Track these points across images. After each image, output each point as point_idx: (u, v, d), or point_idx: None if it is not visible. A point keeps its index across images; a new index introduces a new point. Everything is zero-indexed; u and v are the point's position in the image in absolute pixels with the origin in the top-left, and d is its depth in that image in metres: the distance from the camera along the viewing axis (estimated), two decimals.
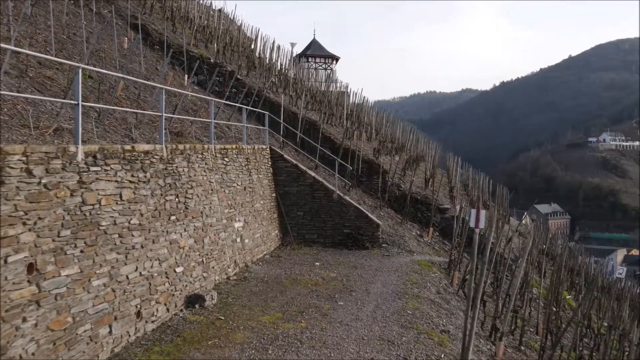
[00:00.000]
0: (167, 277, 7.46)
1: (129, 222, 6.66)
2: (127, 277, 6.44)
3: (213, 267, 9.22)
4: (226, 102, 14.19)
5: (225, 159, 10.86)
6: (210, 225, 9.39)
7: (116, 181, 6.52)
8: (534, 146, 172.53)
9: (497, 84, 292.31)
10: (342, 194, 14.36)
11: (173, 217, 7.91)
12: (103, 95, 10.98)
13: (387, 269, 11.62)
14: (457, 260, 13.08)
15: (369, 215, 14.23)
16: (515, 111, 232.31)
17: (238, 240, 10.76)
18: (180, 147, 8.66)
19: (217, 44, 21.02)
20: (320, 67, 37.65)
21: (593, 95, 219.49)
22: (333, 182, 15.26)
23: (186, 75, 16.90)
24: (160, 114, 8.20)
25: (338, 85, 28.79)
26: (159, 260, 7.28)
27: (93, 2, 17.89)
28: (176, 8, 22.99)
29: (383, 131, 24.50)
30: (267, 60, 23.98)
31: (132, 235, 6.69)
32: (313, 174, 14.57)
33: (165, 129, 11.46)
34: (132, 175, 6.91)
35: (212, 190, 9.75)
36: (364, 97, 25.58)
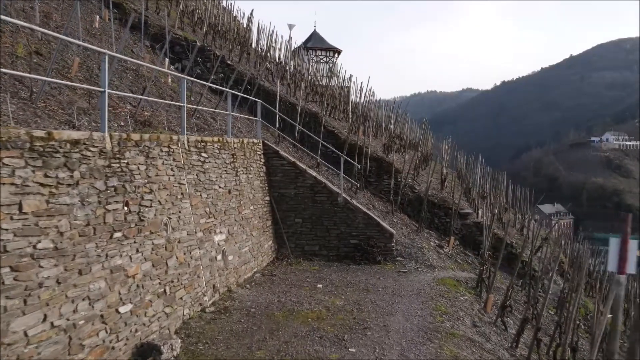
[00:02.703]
0: (103, 323, 5.16)
1: (35, 247, 4.36)
2: (26, 334, 4.15)
3: (181, 298, 6.91)
4: (201, 82, 11.81)
5: (203, 154, 8.55)
6: (179, 241, 7.09)
7: (13, 184, 4.23)
8: (535, 146, 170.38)
9: (498, 83, 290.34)
10: (348, 198, 12.06)
11: (118, 234, 5.61)
12: (51, 74, 8.75)
13: (407, 291, 9.32)
14: (489, 279, 10.82)
15: (381, 222, 11.93)
16: (516, 111, 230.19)
17: (219, 257, 8.46)
18: (135, 136, 6.35)
19: (205, 27, 18.70)
20: (321, 61, 35.29)
21: (595, 94, 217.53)
22: (337, 183, 12.98)
23: (167, 59, 14.58)
24: (102, 89, 5.89)
25: (341, 76, 26.40)
26: (89, 299, 4.97)
27: None
28: None
29: (392, 126, 22.20)
30: (265, 46, 21.65)
31: (40, 267, 4.39)
32: (314, 173, 12.27)
33: (129, 117, 9.21)
34: (46, 176, 4.62)
35: (182, 194, 7.45)
36: (370, 88, 23.20)
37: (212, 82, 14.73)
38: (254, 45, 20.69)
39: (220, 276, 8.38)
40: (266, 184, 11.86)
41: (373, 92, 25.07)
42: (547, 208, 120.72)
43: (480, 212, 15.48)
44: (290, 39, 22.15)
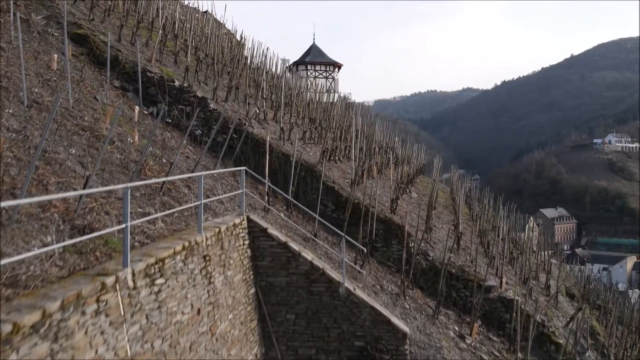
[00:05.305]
0: None
1: None
2: None
3: None
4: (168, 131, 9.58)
5: (159, 280, 6.32)
6: None
7: None
8: (536, 146, 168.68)
9: (499, 83, 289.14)
10: (351, 288, 9.85)
11: None
12: None
13: None
14: None
15: (392, 319, 9.71)
16: (516, 110, 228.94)
17: None
18: (31, 319, 4.09)
19: (189, 57, 16.45)
20: (320, 76, 33.04)
21: (595, 94, 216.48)
22: (338, 260, 10.83)
23: (137, 107, 12.34)
24: None
25: (341, 97, 24.19)
26: None
27: (21, 5, 13.47)
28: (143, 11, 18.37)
29: (398, 150, 20.04)
30: (258, 64, 19.44)
31: None
32: (310, 257, 10.03)
33: (65, 220, 6.93)
34: None
35: None
36: (374, 122, 21.03)
37: (191, 131, 12.58)
38: (244, 76, 18.47)
39: None
40: (251, 272, 9.65)
41: (375, 118, 22.83)
42: (550, 212, 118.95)
43: (504, 280, 13.29)
44: (284, 71, 19.93)
